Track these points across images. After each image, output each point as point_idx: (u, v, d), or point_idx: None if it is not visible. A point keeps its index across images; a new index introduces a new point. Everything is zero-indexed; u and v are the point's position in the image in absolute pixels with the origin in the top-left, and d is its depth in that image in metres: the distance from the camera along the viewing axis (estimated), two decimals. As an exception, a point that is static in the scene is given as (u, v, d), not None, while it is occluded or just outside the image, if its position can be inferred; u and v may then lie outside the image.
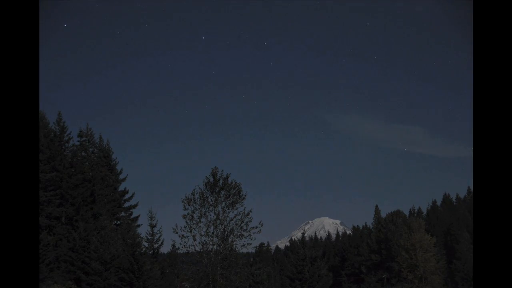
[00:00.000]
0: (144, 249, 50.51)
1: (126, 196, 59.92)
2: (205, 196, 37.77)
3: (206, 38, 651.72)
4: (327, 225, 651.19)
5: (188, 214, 37.49)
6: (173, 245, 53.92)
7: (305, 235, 73.48)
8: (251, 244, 37.95)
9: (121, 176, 60.64)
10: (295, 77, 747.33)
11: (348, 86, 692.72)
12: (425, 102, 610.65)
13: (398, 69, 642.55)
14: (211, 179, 38.05)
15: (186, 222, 37.45)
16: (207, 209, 37.64)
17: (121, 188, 60.12)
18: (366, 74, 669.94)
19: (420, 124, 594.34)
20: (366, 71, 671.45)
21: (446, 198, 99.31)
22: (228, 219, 37.56)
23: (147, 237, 53.97)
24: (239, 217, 37.59)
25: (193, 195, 37.76)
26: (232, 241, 37.49)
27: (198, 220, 37.44)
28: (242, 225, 37.49)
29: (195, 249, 37.68)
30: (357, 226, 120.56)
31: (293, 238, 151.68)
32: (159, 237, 54.65)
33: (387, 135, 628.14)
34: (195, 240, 37.41)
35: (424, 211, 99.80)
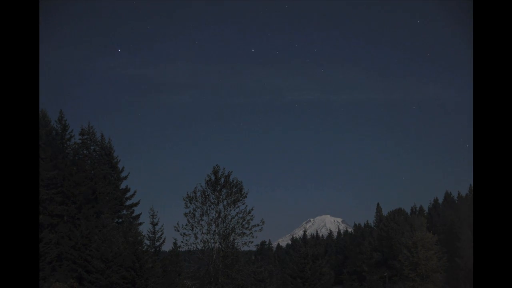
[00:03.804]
0: (145, 247, 50.52)
1: (128, 194, 59.94)
2: (206, 194, 37.89)
3: (208, 35, 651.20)
4: (328, 223, 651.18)
5: (189, 212, 37.63)
6: (175, 243, 53.96)
7: (307, 233, 73.60)
8: (252, 242, 38.10)
9: (123, 174, 60.69)
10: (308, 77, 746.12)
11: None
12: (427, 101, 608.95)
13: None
14: (213, 177, 38.15)
15: (188, 220, 37.59)
16: (208, 207, 37.76)
17: (122, 186, 60.17)
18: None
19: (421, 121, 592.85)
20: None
21: (447, 196, 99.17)
22: (229, 217, 37.68)
23: (148, 235, 54.01)
24: (240, 215, 37.74)
25: (195, 193, 37.88)
26: (233, 239, 37.60)
27: (200, 218, 37.58)
28: (243, 223, 37.62)
29: (196, 247, 37.80)
30: (359, 224, 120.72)
31: (294, 236, 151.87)
32: (161, 235, 54.71)
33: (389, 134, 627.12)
34: (196, 238, 37.55)
35: (426, 209, 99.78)
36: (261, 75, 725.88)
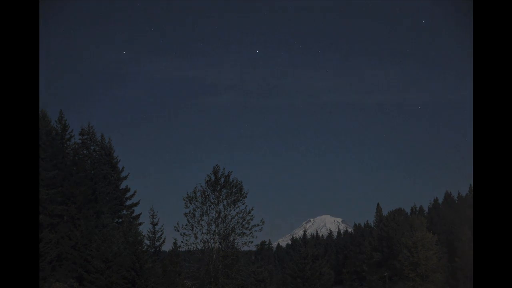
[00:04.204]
0: (145, 247, 50.56)
1: (128, 194, 59.95)
2: (206, 194, 37.86)
3: (208, 38, 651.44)
4: (328, 223, 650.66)
5: (189, 212, 37.60)
6: (175, 243, 53.96)
7: (307, 233, 73.71)
8: (252, 242, 38.09)
9: (123, 174, 60.68)
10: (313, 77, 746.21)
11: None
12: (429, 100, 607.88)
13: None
14: (213, 177, 38.13)
15: (188, 220, 37.56)
16: (208, 207, 37.74)
17: (122, 186, 60.16)
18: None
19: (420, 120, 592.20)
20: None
21: (447, 196, 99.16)
22: (229, 217, 37.66)
23: (148, 235, 54.08)
24: (240, 215, 37.70)
25: (195, 193, 37.85)
26: (233, 239, 37.58)
27: (200, 218, 37.55)
28: (243, 223, 37.59)
29: (196, 247, 37.78)
30: (359, 224, 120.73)
31: (294, 236, 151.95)
32: (161, 235, 54.78)
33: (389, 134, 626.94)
34: (196, 238, 37.53)
35: (426, 209, 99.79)
36: (261, 76, 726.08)
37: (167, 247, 74.50)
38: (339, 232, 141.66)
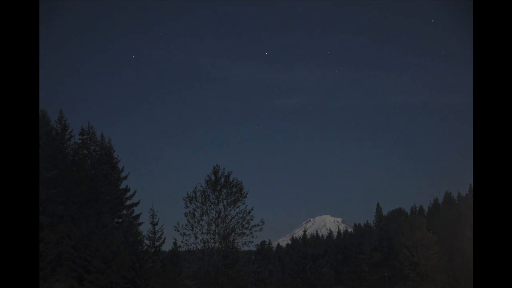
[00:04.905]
0: (145, 247, 50.56)
1: (128, 194, 59.84)
2: (206, 194, 37.92)
3: (207, 34, 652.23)
4: (328, 223, 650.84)
5: (189, 212, 37.68)
6: (175, 243, 53.92)
7: (307, 233, 73.73)
8: (252, 242, 38.15)
9: (123, 174, 60.60)
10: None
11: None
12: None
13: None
14: (213, 177, 38.18)
15: (188, 220, 37.65)
16: (208, 207, 37.80)
17: (122, 186, 60.05)
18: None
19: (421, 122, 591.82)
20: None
21: (447, 196, 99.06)
22: (229, 217, 37.72)
23: (148, 235, 53.99)
24: (240, 215, 37.78)
25: (195, 193, 37.91)
26: (233, 239, 37.62)
27: (200, 218, 37.62)
28: (243, 223, 37.66)
29: (196, 247, 37.84)
30: (359, 224, 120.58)
31: (294, 236, 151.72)
32: (161, 235, 54.64)
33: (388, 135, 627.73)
34: (196, 238, 37.59)
35: (426, 209, 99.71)
36: (261, 77, 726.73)
37: (167, 247, 74.47)
38: (339, 232, 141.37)
